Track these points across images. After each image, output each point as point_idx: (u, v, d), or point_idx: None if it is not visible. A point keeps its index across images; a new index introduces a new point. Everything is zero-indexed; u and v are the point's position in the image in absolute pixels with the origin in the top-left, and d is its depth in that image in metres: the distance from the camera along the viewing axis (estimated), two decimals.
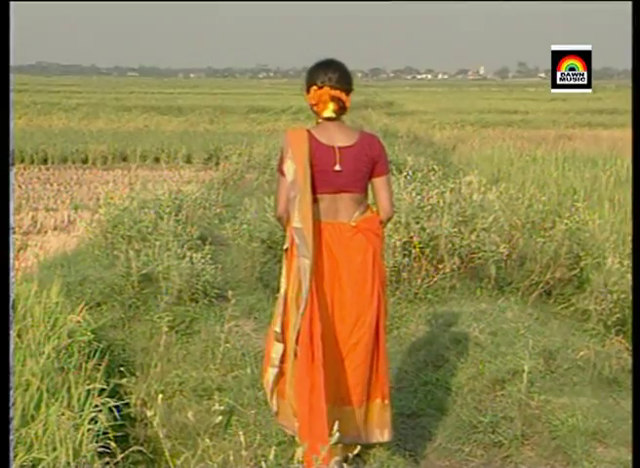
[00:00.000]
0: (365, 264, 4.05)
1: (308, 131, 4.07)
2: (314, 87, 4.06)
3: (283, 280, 4.08)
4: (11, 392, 3.36)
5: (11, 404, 3.27)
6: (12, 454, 3.34)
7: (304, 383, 3.90)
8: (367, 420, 4.17)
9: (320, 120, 4.10)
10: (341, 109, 4.08)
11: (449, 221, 7.53)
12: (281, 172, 4.04)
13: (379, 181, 4.13)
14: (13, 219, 11.34)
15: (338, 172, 3.99)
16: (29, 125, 28.25)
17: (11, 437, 3.29)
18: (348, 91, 4.11)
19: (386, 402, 4.19)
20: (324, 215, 4.02)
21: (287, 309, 4.04)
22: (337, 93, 4.05)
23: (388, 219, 4.22)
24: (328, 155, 4.00)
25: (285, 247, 4.07)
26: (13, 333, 4.27)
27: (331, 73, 4.06)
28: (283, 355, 4.08)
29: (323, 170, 3.98)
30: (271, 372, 4.13)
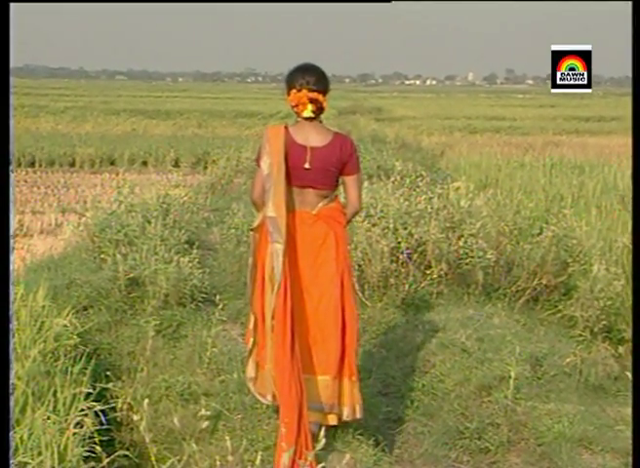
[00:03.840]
0: (326, 248, 4.39)
1: (286, 128, 4.41)
2: (294, 90, 4.40)
3: (250, 258, 4.49)
4: (11, 394, 3.34)
5: (11, 406, 3.25)
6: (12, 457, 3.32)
7: (281, 358, 4.21)
8: (339, 397, 4.40)
9: (299, 119, 4.43)
10: (319, 109, 4.42)
11: (437, 227, 7.54)
12: (257, 163, 4.42)
13: (348, 180, 4.48)
14: (13, 223, 11.28)
15: (307, 169, 4.35)
16: (17, 128, 28.06)
17: (11, 438, 3.27)
18: (325, 92, 4.43)
19: (354, 379, 4.43)
20: (293, 205, 4.37)
21: (256, 286, 4.42)
22: (314, 95, 4.38)
23: (355, 213, 4.61)
24: (300, 153, 4.34)
25: (253, 226, 4.45)
26: (12, 339, 4.25)
27: (308, 76, 4.39)
28: (255, 326, 4.47)
29: (294, 166, 4.33)
30: (251, 341, 4.52)
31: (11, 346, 3.08)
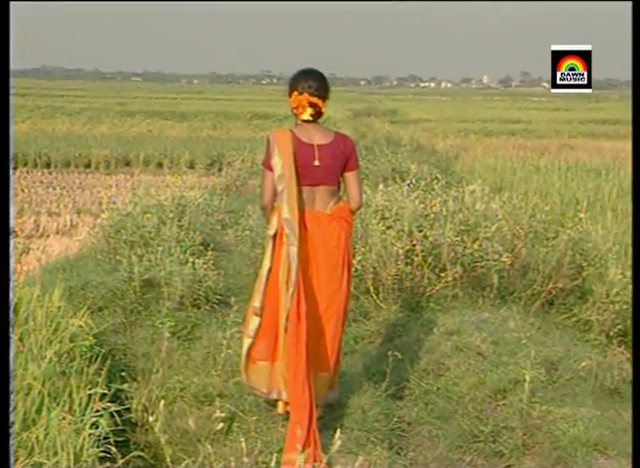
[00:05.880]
0: (338, 248, 4.56)
1: (291, 130, 4.56)
2: (295, 92, 4.58)
3: (266, 262, 4.56)
4: (12, 396, 3.36)
5: (11, 408, 3.26)
6: (12, 459, 3.34)
7: (294, 360, 4.36)
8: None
9: (299, 122, 4.59)
10: (318, 114, 4.59)
11: (452, 230, 7.52)
12: (267, 166, 4.54)
13: (350, 175, 4.66)
14: (14, 223, 11.35)
15: (317, 166, 4.50)
16: (33, 129, 28.27)
17: (11, 441, 3.28)
18: (325, 98, 4.60)
19: (337, 367, 4.74)
20: (304, 205, 4.50)
21: (268, 287, 4.54)
22: (314, 99, 4.55)
23: (358, 208, 4.78)
24: (308, 152, 4.49)
25: (271, 233, 4.54)
26: (14, 337, 4.27)
27: (311, 81, 4.56)
28: (258, 328, 4.61)
29: (304, 165, 4.47)
30: (246, 342, 4.66)
31: (11, 347, 3.10)
